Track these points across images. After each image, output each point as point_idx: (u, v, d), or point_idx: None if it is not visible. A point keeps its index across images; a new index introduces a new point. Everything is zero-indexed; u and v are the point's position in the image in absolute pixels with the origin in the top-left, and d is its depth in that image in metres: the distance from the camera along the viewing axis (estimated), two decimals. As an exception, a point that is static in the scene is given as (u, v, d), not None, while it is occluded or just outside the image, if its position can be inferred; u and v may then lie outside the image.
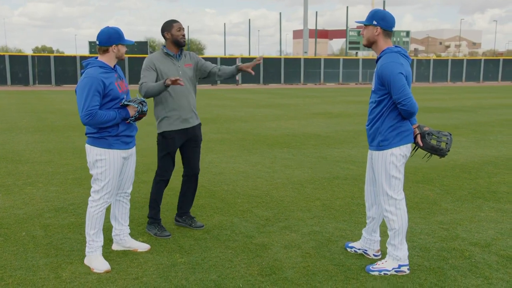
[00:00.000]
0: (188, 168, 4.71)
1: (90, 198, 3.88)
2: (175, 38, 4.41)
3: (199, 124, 4.67)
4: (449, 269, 3.81)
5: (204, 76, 4.72)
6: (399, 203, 3.69)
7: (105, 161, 3.77)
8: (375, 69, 3.66)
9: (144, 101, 3.84)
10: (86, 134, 3.83)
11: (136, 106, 3.77)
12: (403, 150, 3.66)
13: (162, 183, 4.61)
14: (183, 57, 4.53)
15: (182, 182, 4.81)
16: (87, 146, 3.82)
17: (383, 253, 4.03)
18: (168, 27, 4.43)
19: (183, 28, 4.45)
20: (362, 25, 3.68)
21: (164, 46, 4.49)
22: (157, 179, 4.60)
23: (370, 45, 3.69)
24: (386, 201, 3.71)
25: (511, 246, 4.28)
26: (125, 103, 3.76)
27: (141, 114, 3.83)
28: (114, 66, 3.85)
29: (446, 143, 3.70)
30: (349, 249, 4.16)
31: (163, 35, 4.48)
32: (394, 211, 3.69)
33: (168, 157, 4.53)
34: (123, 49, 3.80)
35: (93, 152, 3.78)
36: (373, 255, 4.03)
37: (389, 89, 3.53)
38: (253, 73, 4.55)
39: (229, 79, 4.68)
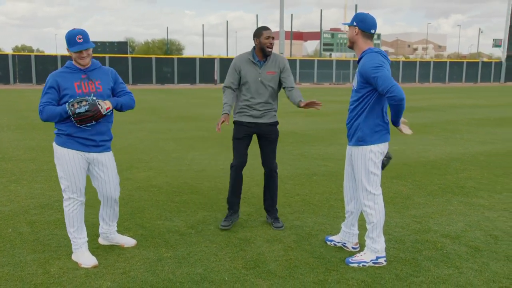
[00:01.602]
0: (263, 163, 4.73)
1: (63, 198, 3.82)
2: (262, 46, 4.41)
3: (275, 122, 4.63)
4: (423, 260, 3.88)
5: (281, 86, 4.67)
6: (377, 198, 3.74)
7: (61, 159, 3.67)
8: (357, 69, 3.69)
9: (83, 101, 3.51)
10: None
11: (67, 108, 3.51)
12: (381, 148, 3.71)
13: (233, 169, 4.64)
14: (268, 63, 4.50)
15: (264, 178, 4.79)
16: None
17: (361, 246, 4.08)
18: (258, 34, 4.43)
19: (273, 37, 4.42)
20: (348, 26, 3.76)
21: (254, 49, 4.51)
22: (231, 165, 4.70)
23: (351, 45, 3.74)
24: (365, 196, 3.75)
25: (478, 237, 4.39)
26: (68, 104, 3.54)
27: (78, 117, 3.49)
28: (90, 66, 3.68)
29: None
30: (328, 243, 4.20)
31: (253, 40, 4.49)
32: (372, 205, 3.74)
33: (237, 142, 4.61)
34: (73, 55, 3.58)
35: (54, 149, 3.75)
36: (352, 247, 4.08)
37: (375, 82, 3.50)
38: (319, 106, 4.26)
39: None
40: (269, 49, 4.43)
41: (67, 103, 3.55)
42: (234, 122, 4.66)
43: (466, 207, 5.36)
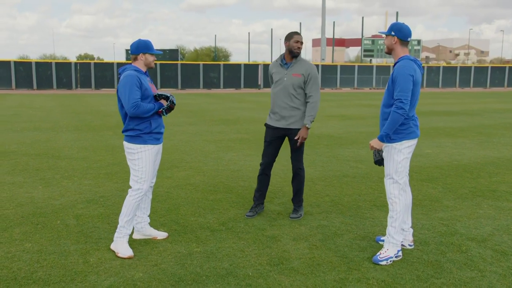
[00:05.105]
0: (292, 163, 4.93)
1: (130, 189, 3.98)
2: (290, 48, 4.60)
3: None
4: (446, 262, 3.73)
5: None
6: (403, 187, 3.78)
7: (141, 154, 3.90)
8: (391, 73, 3.75)
9: (172, 95, 4.04)
10: (123, 132, 3.96)
11: (168, 95, 3.99)
12: (411, 142, 3.78)
13: (260, 168, 4.95)
14: (295, 66, 4.63)
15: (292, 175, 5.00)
16: (125, 143, 3.96)
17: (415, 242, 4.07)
18: (289, 37, 4.62)
19: (301, 42, 4.60)
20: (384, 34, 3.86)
21: (284, 54, 4.71)
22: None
23: (389, 52, 3.87)
24: (391, 185, 3.79)
25: (505, 242, 4.18)
26: (157, 94, 3.98)
27: (171, 104, 3.99)
28: (146, 72, 4.02)
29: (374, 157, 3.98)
30: (381, 243, 4.12)
31: (284, 43, 4.66)
32: (397, 194, 3.76)
33: (266, 144, 4.87)
34: (150, 58, 3.97)
35: (131, 148, 3.92)
36: (408, 245, 4.03)
37: (394, 85, 3.64)
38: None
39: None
40: (297, 52, 4.59)
41: (162, 95, 3.98)
42: (265, 124, 4.91)
43: (496, 211, 5.11)
